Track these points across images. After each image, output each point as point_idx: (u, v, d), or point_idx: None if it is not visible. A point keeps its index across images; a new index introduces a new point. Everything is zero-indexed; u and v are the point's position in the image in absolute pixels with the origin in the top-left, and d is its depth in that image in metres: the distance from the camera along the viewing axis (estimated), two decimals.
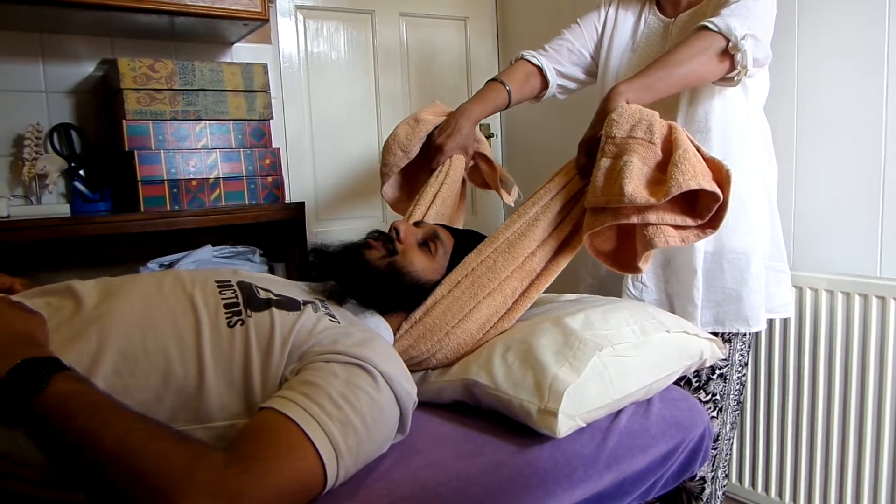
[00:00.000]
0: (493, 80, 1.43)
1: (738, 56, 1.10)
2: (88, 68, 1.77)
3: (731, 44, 1.09)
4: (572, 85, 1.50)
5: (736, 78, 1.14)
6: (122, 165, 1.66)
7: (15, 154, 1.69)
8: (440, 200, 1.31)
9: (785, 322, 1.49)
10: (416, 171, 1.44)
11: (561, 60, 1.45)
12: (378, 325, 0.98)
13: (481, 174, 1.50)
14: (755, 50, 1.11)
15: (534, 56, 1.44)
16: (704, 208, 0.96)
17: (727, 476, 1.46)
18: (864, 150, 1.40)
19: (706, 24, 1.10)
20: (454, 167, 1.36)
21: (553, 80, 1.45)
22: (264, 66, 1.75)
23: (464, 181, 1.43)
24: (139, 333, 0.76)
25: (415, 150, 1.38)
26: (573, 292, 1.28)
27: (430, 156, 1.38)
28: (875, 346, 1.34)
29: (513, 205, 1.39)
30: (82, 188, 1.70)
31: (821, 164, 1.48)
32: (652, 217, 0.96)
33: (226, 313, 0.81)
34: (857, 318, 1.37)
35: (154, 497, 0.58)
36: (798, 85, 1.49)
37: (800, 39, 1.47)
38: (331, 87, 2.19)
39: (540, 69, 1.44)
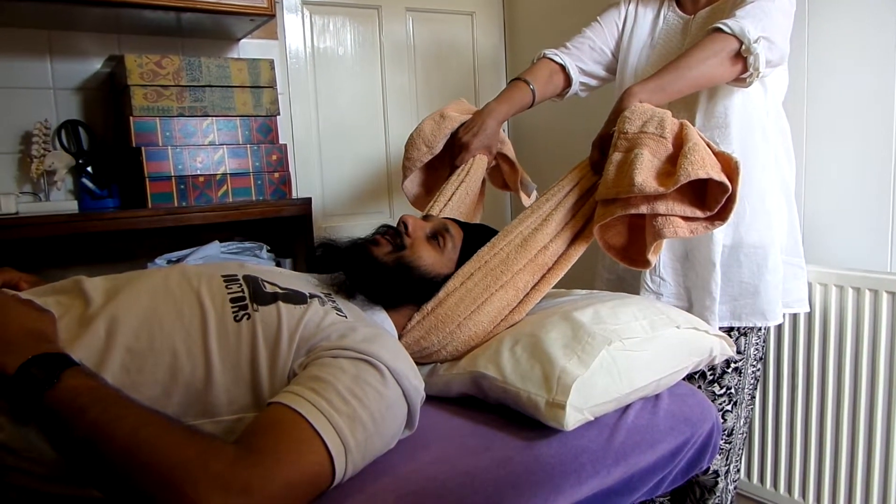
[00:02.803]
0: (517, 79, 1.43)
1: (751, 59, 1.10)
2: (96, 65, 1.78)
3: (743, 46, 1.09)
4: (594, 82, 1.50)
5: (748, 80, 1.15)
6: (130, 162, 1.66)
7: (23, 151, 1.70)
8: (457, 198, 1.32)
9: (794, 317, 1.48)
10: (438, 168, 1.45)
11: (583, 58, 1.45)
12: (383, 321, 0.98)
13: (502, 175, 1.51)
14: (768, 52, 1.11)
15: (557, 54, 1.44)
16: (713, 200, 0.97)
17: (739, 471, 1.45)
18: (874, 146, 1.39)
19: (720, 25, 1.10)
20: (476, 166, 1.36)
21: (576, 77, 1.45)
22: (271, 62, 1.75)
23: (484, 181, 1.43)
24: (146, 330, 0.77)
25: (439, 146, 1.39)
26: (590, 288, 1.28)
27: (453, 153, 1.39)
28: (885, 341, 1.33)
29: None
30: (90, 185, 1.70)
31: (831, 159, 1.47)
32: (661, 208, 0.97)
33: (232, 307, 0.81)
34: (867, 313, 1.36)
35: (166, 490, 0.58)
36: (808, 81, 1.48)
37: (810, 36, 1.46)
38: (337, 83, 2.18)
39: (563, 67, 1.44)
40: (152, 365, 0.75)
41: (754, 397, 1.43)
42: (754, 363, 1.37)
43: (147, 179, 1.59)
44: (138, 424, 0.62)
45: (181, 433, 0.63)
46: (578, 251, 1.10)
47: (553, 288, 1.11)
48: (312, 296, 0.88)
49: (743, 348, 1.35)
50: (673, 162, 0.98)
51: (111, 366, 0.73)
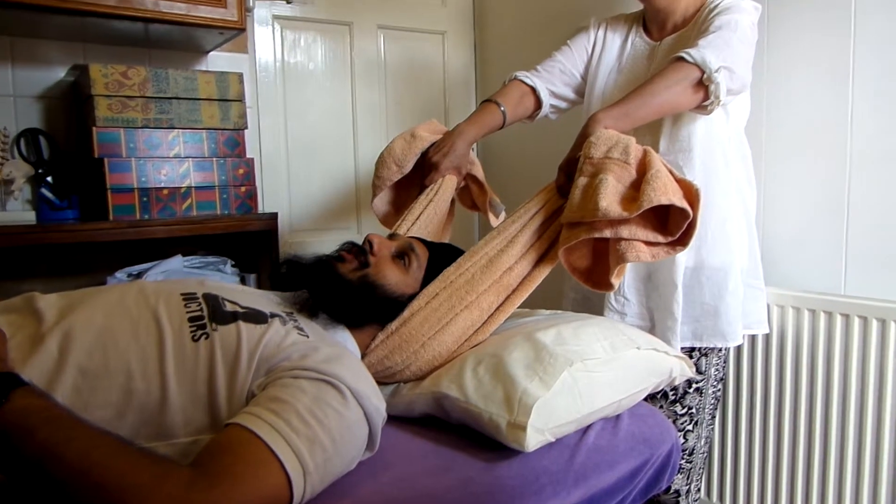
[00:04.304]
0: (488, 100, 1.44)
1: (712, 87, 1.13)
2: (59, 73, 1.75)
3: (705, 75, 1.12)
4: (564, 105, 1.52)
5: (709, 107, 1.17)
6: (92, 173, 1.63)
7: None
8: (426, 217, 1.33)
9: (754, 338, 1.51)
10: (408, 187, 1.45)
11: (553, 81, 1.47)
12: (345, 341, 0.97)
13: (471, 195, 1.52)
14: (729, 81, 1.14)
15: (527, 77, 1.46)
16: (675, 226, 0.99)
17: (700, 490, 1.47)
18: (829, 173, 1.43)
19: (683, 55, 1.13)
20: (445, 186, 1.37)
21: (546, 100, 1.47)
22: (240, 76, 1.74)
23: (453, 201, 1.44)
24: (100, 349, 0.75)
25: (409, 166, 1.39)
26: (557, 307, 1.29)
27: (423, 173, 1.39)
28: (839, 361, 1.37)
29: None
30: (49, 195, 1.66)
31: (788, 184, 1.51)
32: (625, 232, 0.99)
33: (190, 327, 0.80)
34: (822, 334, 1.39)
35: None
36: (767, 108, 1.52)
37: (769, 64, 1.51)
38: (307, 98, 2.18)
39: (534, 90, 1.46)
40: (105, 385, 0.73)
41: (715, 417, 1.45)
42: (715, 383, 1.40)
43: (109, 191, 1.56)
44: (90, 446, 0.60)
45: (134, 455, 0.62)
46: (543, 273, 1.11)
47: (520, 307, 1.12)
48: (273, 315, 0.87)
49: (704, 368, 1.37)
50: (636, 187, 1.00)
51: (62, 386, 0.72)
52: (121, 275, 1.56)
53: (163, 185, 1.63)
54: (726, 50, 1.14)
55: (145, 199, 1.61)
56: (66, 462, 0.59)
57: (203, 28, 1.66)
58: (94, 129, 1.56)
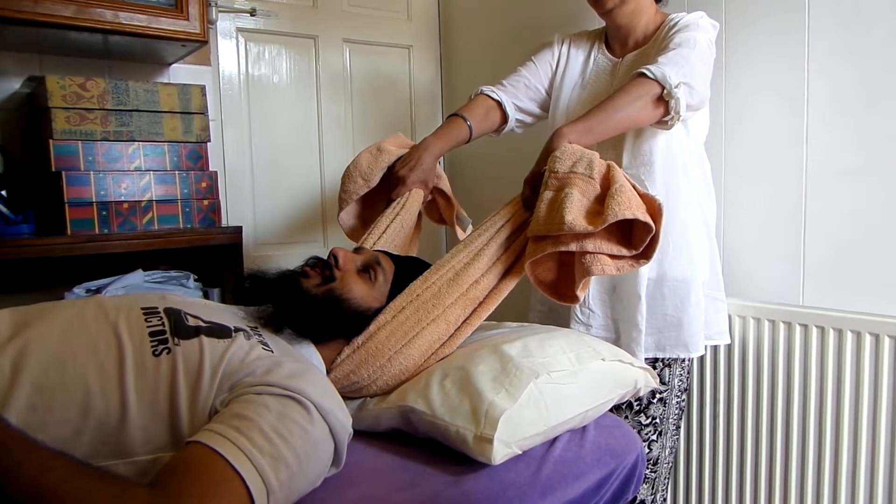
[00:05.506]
0: (455, 115, 1.45)
1: (672, 103, 1.16)
2: (14, 85, 1.70)
3: (665, 91, 1.15)
4: (529, 119, 1.54)
5: (670, 122, 1.20)
6: (49, 187, 1.59)
7: None
8: (392, 230, 1.32)
9: (716, 349, 1.54)
10: (374, 201, 1.45)
11: (518, 95, 1.49)
12: (311, 356, 0.96)
13: (438, 209, 1.52)
14: (688, 97, 1.17)
15: (493, 91, 1.47)
16: (638, 240, 1.01)
17: (665, 500, 1.49)
18: (786, 187, 1.47)
19: (643, 71, 1.16)
20: (412, 200, 1.37)
21: (512, 114, 1.49)
22: (202, 88, 1.72)
23: (420, 215, 1.44)
24: (57, 366, 0.73)
25: (375, 180, 1.39)
26: (524, 319, 1.29)
27: (390, 186, 1.39)
28: (798, 370, 1.40)
29: None
30: (3, 209, 1.61)
31: (747, 199, 1.55)
32: (590, 246, 1.00)
33: (151, 342, 0.78)
34: (781, 344, 1.42)
35: None
36: (726, 123, 1.56)
37: (728, 81, 1.55)
38: (272, 111, 2.16)
39: (499, 104, 1.47)
40: (62, 403, 0.71)
41: (679, 427, 1.47)
42: (679, 394, 1.42)
43: (66, 205, 1.52)
44: (42, 469, 0.58)
45: (89, 476, 0.60)
46: (509, 286, 1.12)
47: (487, 319, 1.12)
48: (237, 329, 0.86)
49: (667, 379, 1.39)
50: (601, 202, 1.02)
51: (16, 404, 0.69)
52: (79, 290, 1.52)
53: (123, 198, 1.60)
54: (686, 66, 1.17)
55: (104, 212, 1.57)
56: (17, 487, 0.57)
57: (165, 40, 1.64)
58: (51, 141, 1.52)
